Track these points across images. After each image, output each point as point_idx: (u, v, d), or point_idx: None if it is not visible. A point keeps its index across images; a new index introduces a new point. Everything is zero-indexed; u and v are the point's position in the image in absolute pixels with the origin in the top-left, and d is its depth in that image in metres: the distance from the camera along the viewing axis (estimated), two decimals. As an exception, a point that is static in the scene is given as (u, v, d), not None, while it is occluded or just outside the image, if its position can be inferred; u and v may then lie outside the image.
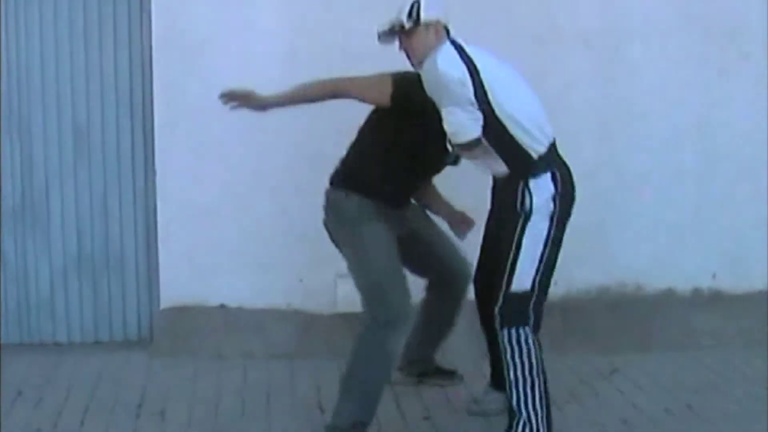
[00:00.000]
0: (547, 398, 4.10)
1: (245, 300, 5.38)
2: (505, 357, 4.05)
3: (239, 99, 4.30)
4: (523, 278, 4.00)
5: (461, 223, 4.65)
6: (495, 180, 4.24)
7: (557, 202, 4.01)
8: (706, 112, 5.54)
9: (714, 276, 5.61)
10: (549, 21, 5.36)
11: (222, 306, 5.39)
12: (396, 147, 4.25)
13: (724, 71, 5.52)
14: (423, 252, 4.54)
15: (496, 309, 4.03)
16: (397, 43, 4.25)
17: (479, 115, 3.91)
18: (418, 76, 4.10)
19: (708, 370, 5.17)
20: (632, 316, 5.48)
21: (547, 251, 4.02)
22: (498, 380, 4.41)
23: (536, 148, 4.00)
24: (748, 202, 5.60)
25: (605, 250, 5.49)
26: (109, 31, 5.33)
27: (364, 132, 4.39)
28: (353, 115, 5.21)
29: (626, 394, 4.82)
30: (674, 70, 5.48)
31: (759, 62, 5.52)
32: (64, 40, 5.31)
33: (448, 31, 4.19)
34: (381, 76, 4.22)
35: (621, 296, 5.53)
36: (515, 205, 4.01)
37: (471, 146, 3.98)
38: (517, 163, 4.02)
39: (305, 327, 5.37)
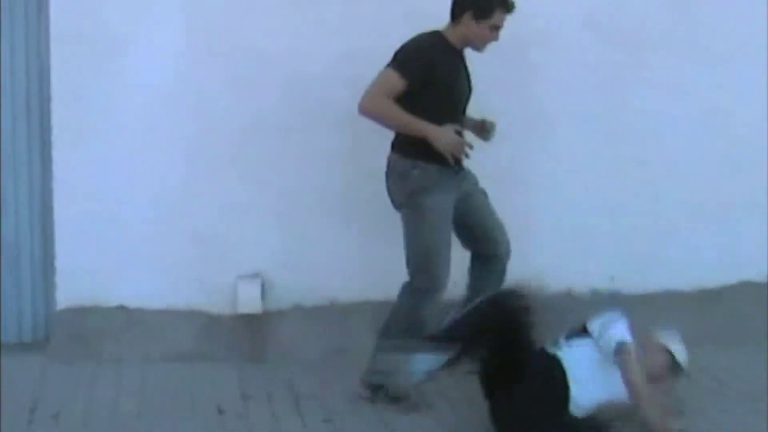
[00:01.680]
0: None
1: (145, 301, 5.29)
2: None
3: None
4: None
5: (487, 127, 4.84)
6: None
7: None
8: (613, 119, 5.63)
9: (612, 278, 5.69)
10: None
11: (121, 306, 5.29)
12: (437, 102, 4.50)
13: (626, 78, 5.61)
14: (471, 221, 4.74)
15: None
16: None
17: None
18: (411, 42, 4.51)
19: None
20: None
21: None
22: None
23: None
24: (648, 207, 5.71)
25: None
26: (6, 29, 5.18)
27: (407, 101, 4.51)
28: (259, 111, 5.22)
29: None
30: (577, 75, 5.55)
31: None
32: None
33: None
34: (384, 73, 4.48)
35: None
36: None
37: None
38: None
39: (205, 328, 5.31)
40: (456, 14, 4.62)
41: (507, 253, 4.86)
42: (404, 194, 4.56)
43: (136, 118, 5.18)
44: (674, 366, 4.40)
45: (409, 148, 4.53)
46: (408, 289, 4.60)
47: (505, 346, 4.17)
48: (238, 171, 5.24)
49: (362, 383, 4.71)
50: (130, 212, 5.23)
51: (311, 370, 5.13)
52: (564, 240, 5.59)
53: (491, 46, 4.71)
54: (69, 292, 5.24)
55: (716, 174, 5.74)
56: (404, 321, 4.56)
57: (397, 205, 4.63)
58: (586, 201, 5.64)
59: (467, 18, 4.57)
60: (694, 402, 4.74)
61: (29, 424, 4.41)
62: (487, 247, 4.84)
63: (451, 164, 4.49)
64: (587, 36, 5.52)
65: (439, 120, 4.48)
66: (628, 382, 4.21)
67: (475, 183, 4.82)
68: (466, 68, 4.73)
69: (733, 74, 5.69)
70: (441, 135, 4.44)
